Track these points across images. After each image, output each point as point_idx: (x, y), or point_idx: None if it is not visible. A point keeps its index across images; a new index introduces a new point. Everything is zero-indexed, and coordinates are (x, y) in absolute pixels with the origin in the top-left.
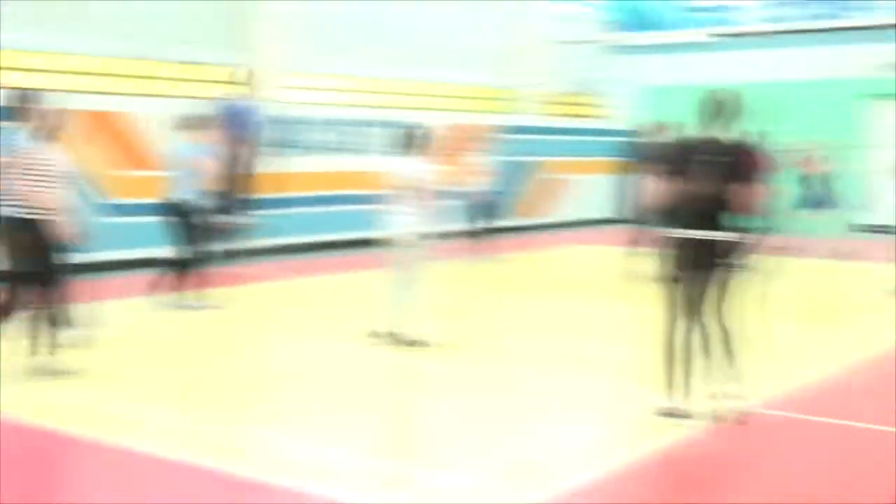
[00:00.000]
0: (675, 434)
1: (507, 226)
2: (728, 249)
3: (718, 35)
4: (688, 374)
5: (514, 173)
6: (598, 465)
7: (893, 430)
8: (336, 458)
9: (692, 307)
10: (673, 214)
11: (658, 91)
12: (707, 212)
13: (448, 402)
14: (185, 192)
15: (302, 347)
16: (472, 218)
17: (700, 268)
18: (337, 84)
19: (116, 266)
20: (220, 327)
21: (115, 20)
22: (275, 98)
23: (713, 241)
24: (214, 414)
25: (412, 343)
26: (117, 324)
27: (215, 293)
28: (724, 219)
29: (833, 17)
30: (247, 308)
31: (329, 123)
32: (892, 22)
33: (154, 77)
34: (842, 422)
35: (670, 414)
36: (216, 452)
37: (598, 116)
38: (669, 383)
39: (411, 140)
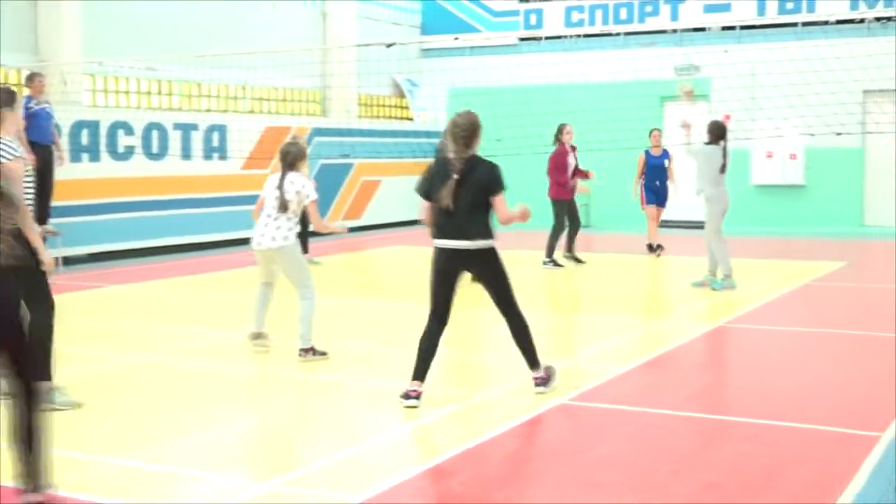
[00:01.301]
0: (490, 427)
1: None
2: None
3: (526, 38)
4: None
5: (329, 175)
6: (414, 463)
7: (691, 416)
8: (160, 472)
9: (448, 307)
10: (440, 226)
11: (466, 93)
12: (466, 222)
13: (272, 406)
14: None
15: (116, 360)
16: None
17: (456, 274)
18: (141, 87)
19: None
20: None
21: None
22: (73, 101)
23: (472, 248)
24: None
25: (314, 353)
26: None
27: None
28: (481, 229)
29: (637, 21)
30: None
31: (131, 127)
32: (691, 26)
33: None
34: (643, 409)
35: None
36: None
37: (409, 118)
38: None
39: (286, 156)
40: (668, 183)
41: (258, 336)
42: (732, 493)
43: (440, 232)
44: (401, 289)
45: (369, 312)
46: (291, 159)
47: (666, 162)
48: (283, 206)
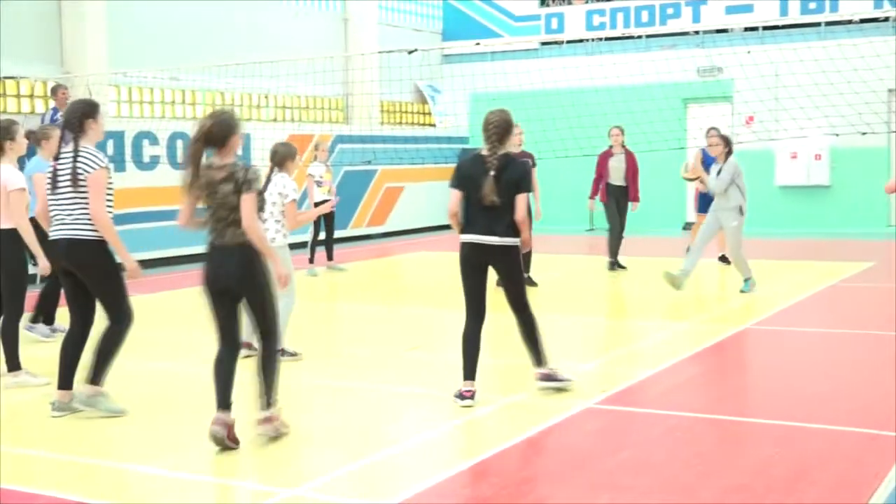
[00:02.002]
0: (516, 430)
1: (346, 235)
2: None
3: (547, 42)
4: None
5: (353, 182)
6: (440, 469)
7: (717, 418)
8: (179, 479)
9: (483, 302)
10: (469, 222)
11: (488, 98)
12: (495, 219)
13: (298, 413)
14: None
15: (143, 368)
16: (312, 227)
17: (485, 269)
18: (165, 97)
19: None
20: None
21: None
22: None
23: (500, 244)
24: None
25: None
26: None
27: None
28: (509, 225)
29: (659, 23)
30: None
31: (155, 137)
32: (713, 27)
33: None
34: (670, 412)
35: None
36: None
37: (431, 124)
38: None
39: (273, 155)
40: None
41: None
42: (760, 495)
43: (469, 227)
44: (425, 295)
45: (394, 318)
46: (279, 159)
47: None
48: (261, 207)
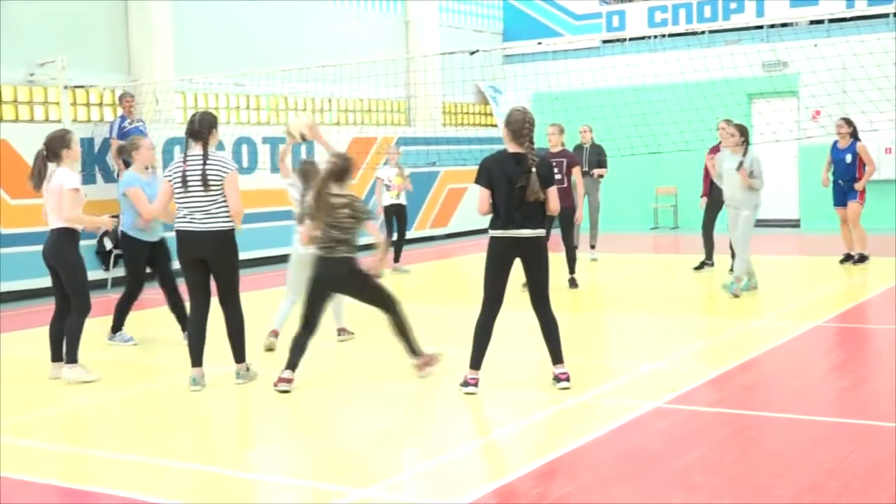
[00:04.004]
0: (585, 427)
1: (409, 237)
2: (543, 241)
3: (609, 40)
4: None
5: (416, 184)
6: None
7: (792, 417)
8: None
9: (503, 296)
10: (502, 218)
11: (550, 97)
12: (530, 214)
13: (364, 413)
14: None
15: (208, 371)
16: (385, 229)
17: (511, 263)
18: (231, 103)
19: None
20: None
21: None
22: (165, 119)
23: (534, 236)
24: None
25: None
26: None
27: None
28: (541, 218)
29: (722, 18)
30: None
31: (220, 142)
32: (778, 21)
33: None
34: (741, 411)
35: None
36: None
37: (493, 125)
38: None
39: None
40: (862, 178)
41: (341, 331)
42: (834, 495)
43: (508, 223)
44: None
45: (456, 320)
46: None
47: (848, 157)
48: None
